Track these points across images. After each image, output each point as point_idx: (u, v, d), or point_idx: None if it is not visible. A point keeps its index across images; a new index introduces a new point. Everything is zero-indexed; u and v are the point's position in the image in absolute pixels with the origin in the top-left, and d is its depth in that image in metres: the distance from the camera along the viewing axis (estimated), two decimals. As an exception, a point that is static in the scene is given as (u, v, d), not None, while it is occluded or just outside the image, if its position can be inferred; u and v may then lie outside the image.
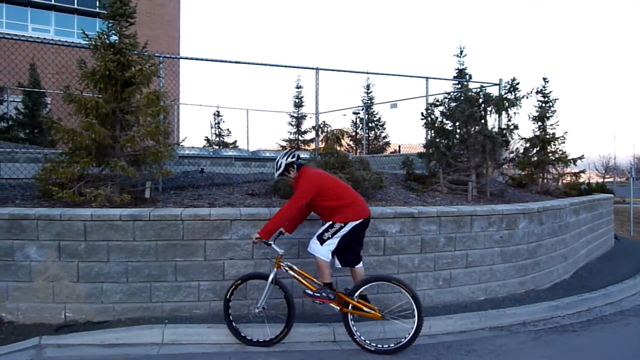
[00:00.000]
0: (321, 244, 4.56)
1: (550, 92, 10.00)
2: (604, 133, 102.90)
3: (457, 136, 8.17)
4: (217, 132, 21.30)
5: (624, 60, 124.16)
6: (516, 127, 8.17)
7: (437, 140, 8.22)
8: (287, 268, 4.71)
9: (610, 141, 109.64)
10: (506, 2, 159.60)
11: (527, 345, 4.89)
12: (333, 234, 4.55)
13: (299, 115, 24.07)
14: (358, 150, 22.48)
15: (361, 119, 22.38)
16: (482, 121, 7.98)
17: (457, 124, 8.08)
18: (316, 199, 4.59)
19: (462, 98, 8.24)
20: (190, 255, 5.09)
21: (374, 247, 5.49)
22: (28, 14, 24.04)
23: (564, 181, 10.24)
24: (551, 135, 9.73)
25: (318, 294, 4.57)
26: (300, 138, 24.09)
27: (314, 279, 4.73)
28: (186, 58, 8.15)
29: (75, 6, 24.57)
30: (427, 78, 9.60)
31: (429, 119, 8.41)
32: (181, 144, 7.51)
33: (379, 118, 26.42)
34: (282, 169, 4.74)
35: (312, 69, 8.23)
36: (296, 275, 4.72)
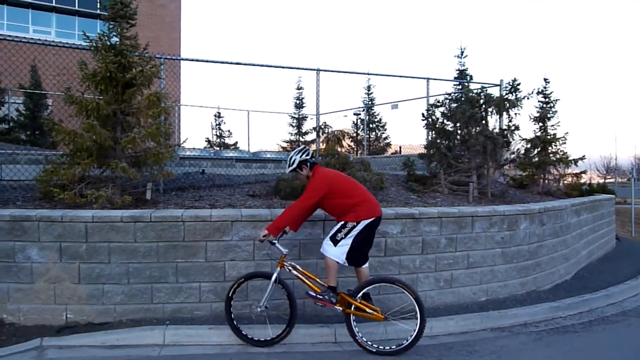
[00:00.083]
0: (334, 245, 4.56)
1: (551, 92, 10.00)
2: (605, 133, 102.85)
3: (458, 137, 8.17)
4: (218, 134, 21.32)
5: (625, 61, 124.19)
6: (517, 128, 8.16)
7: (438, 141, 8.22)
8: (290, 267, 4.71)
9: (612, 142, 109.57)
10: (506, 2, 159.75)
11: (528, 346, 4.89)
12: (346, 234, 4.54)
13: (300, 116, 24.05)
14: (359, 151, 22.46)
15: (362, 120, 22.36)
16: (483, 122, 7.98)
17: (458, 124, 8.08)
18: (327, 197, 4.59)
19: (463, 99, 8.24)
20: (191, 257, 5.09)
21: (375, 248, 5.46)
22: (29, 16, 24.10)
23: (565, 182, 10.23)
24: (552, 136, 9.72)
25: (320, 297, 4.57)
26: (301, 139, 24.06)
27: (317, 280, 4.73)
28: (187, 59, 8.14)
29: (76, 8, 24.63)
30: (427, 79, 9.61)
31: (430, 119, 8.41)
32: (182, 145, 7.49)
33: (380, 119, 26.48)
34: (294, 165, 4.74)
35: (313, 70, 8.23)
36: (299, 275, 4.72)
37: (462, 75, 16.43)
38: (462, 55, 17.60)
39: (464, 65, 17.62)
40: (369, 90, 27.50)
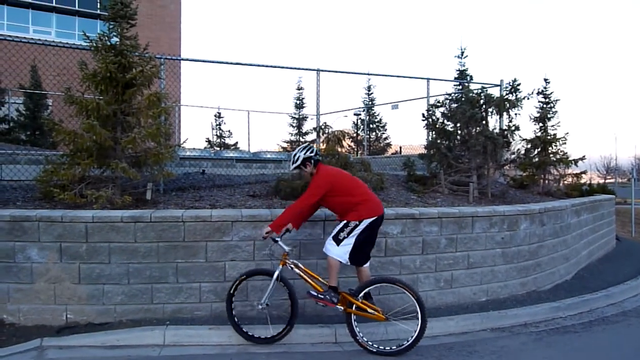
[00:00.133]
0: (337, 244, 4.56)
1: (551, 93, 10.00)
2: (605, 134, 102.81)
3: (458, 137, 8.17)
4: (218, 134, 21.31)
5: (625, 61, 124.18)
6: (517, 128, 8.16)
7: (438, 141, 8.22)
8: (292, 266, 4.71)
9: (612, 142, 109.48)
10: (507, 2, 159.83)
11: (528, 346, 4.89)
12: (349, 233, 4.55)
13: (300, 116, 24.04)
14: (359, 152, 22.44)
15: (362, 120, 22.35)
16: (483, 122, 7.98)
17: (458, 125, 8.08)
18: (330, 194, 4.60)
19: (463, 99, 8.24)
20: (192, 257, 5.09)
21: (375, 248, 5.45)
22: (29, 16, 24.10)
23: (565, 182, 10.23)
24: (552, 136, 9.72)
25: (322, 296, 4.58)
26: (301, 139, 24.05)
27: (320, 278, 4.73)
28: (187, 60, 8.15)
29: (77, 8, 24.63)
30: (428, 79, 9.61)
31: (430, 120, 8.41)
32: (182, 146, 7.50)
33: (380, 119, 26.47)
34: (299, 162, 4.74)
35: (313, 70, 8.24)
36: (301, 274, 4.72)
37: (463, 76, 16.43)
38: (462, 55, 17.58)
39: (464, 66, 17.61)
40: (369, 91, 27.52)
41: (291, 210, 4.60)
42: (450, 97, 8.70)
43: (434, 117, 8.38)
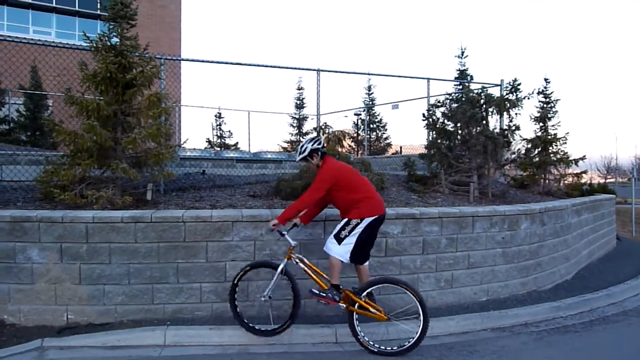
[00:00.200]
0: (339, 243, 4.57)
1: (551, 92, 9.99)
2: (605, 133, 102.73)
3: (459, 137, 8.16)
4: (218, 134, 21.32)
5: (626, 61, 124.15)
6: (518, 128, 8.16)
7: (439, 141, 8.22)
8: (297, 260, 4.73)
9: (612, 142, 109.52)
10: (507, 2, 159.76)
11: (529, 346, 4.89)
12: (350, 232, 4.56)
13: (301, 116, 24.06)
14: (359, 152, 22.44)
15: (362, 120, 22.34)
16: (484, 122, 7.98)
17: (459, 124, 8.08)
18: (333, 188, 4.61)
19: (463, 99, 8.24)
20: (192, 257, 5.09)
21: (375, 248, 5.46)
22: (29, 17, 24.12)
23: (566, 182, 10.22)
24: (553, 136, 9.72)
25: (324, 294, 4.58)
26: (301, 140, 24.04)
27: (324, 275, 4.73)
28: (187, 60, 8.15)
29: (77, 8, 24.64)
30: (428, 79, 9.62)
31: (431, 120, 8.41)
32: (182, 146, 7.50)
33: (381, 119, 26.44)
34: (306, 153, 4.75)
35: (314, 70, 8.24)
36: (306, 269, 4.73)
37: (463, 76, 16.43)
38: (462, 55, 17.57)
39: (464, 66, 17.60)
40: (369, 91, 27.49)
41: (297, 205, 4.62)
42: (450, 97, 8.69)
43: (434, 117, 8.38)
